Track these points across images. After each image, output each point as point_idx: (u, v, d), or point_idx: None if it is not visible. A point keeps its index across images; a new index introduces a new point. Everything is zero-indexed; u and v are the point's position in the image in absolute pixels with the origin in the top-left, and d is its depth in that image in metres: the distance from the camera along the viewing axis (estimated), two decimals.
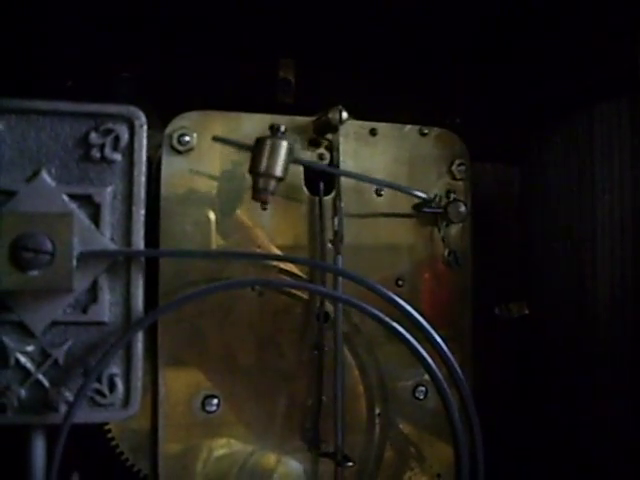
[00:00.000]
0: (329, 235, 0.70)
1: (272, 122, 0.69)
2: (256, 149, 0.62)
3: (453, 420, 0.60)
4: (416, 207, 0.72)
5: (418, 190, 0.71)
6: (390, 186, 0.71)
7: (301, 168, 0.70)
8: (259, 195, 0.62)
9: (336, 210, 0.69)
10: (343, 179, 0.70)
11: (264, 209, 0.66)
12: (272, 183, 0.62)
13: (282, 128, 0.63)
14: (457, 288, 0.74)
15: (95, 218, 0.59)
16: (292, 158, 0.63)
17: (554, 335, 0.78)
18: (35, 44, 0.74)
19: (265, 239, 0.69)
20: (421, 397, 0.72)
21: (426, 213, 0.72)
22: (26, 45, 0.73)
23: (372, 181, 0.71)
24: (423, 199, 0.71)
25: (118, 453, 0.66)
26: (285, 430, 0.69)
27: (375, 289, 0.61)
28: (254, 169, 0.62)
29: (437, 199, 0.72)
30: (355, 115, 0.68)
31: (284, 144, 0.62)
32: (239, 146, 0.66)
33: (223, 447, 0.68)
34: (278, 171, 0.62)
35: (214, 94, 0.76)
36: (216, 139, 0.66)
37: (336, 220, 0.69)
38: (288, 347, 0.69)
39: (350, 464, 0.67)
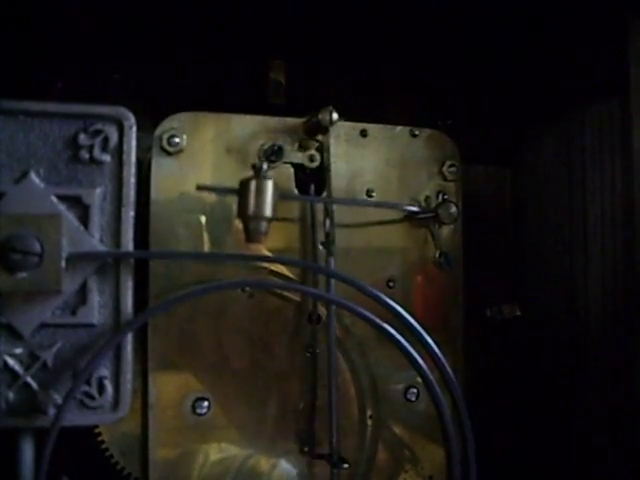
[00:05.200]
0: (320, 237, 0.69)
1: (263, 124, 0.69)
2: (242, 192, 0.61)
3: (445, 422, 0.60)
4: (407, 216, 0.72)
5: (408, 204, 0.72)
6: (380, 204, 0.71)
7: (292, 170, 0.69)
8: (253, 237, 0.61)
9: (327, 212, 0.69)
10: (334, 180, 0.70)
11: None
12: (263, 224, 0.61)
13: (265, 166, 0.61)
14: (448, 289, 0.74)
15: (84, 219, 0.59)
16: (278, 194, 0.62)
17: (546, 336, 0.78)
18: (25, 45, 0.74)
19: None
20: (413, 399, 0.72)
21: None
22: (16, 46, 0.73)
23: (362, 203, 0.71)
24: (413, 212, 0.72)
25: (108, 456, 0.65)
26: (277, 432, 0.69)
27: (365, 290, 0.61)
28: (243, 213, 0.61)
29: (427, 202, 0.72)
30: (346, 116, 0.68)
31: (269, 183, 0.61)
32: (223, 191, 0.64)
33: (214, 450, 0.68)
34: (267, 211, 0.60)
35: (204, 95, 0.75)
36: (200, 188, 0.65)
37: (327, 222, 0.69)
38: (279, 349, 0.69)
39: (346, 466, 0.67)
